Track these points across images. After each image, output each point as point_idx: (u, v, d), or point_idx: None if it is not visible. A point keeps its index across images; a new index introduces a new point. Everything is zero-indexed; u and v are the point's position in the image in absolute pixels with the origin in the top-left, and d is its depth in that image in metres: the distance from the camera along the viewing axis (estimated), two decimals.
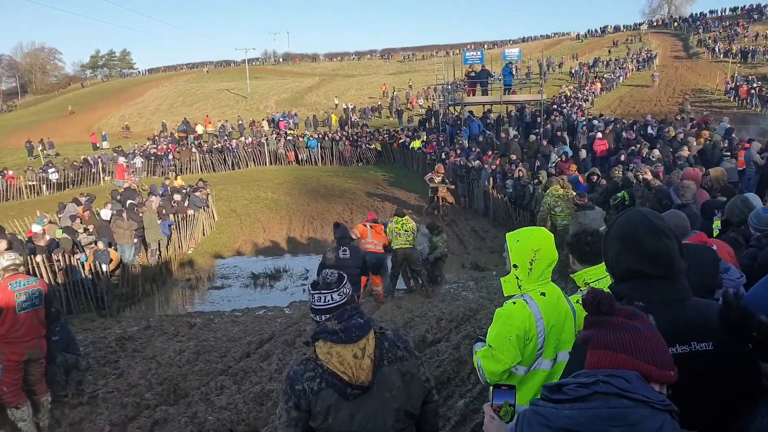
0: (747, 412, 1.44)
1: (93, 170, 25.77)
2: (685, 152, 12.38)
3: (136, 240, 13.05)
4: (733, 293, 1.56)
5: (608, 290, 1.64)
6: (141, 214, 13.46)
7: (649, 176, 8.69)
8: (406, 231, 10.07)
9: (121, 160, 25.59)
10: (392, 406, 2.20)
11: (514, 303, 2.45)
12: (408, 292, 10.62)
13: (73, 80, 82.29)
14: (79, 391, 6.34)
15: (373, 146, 27.52)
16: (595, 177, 12.25)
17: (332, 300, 2.22)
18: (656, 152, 13.06)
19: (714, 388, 1.39)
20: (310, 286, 2.30)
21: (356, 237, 9.78)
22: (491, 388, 1.72)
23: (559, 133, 19.28)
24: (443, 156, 20.73)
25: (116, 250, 12.19)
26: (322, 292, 2.23)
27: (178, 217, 15.20)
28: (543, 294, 2.44)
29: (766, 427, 1.32)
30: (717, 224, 4.77)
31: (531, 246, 2.47)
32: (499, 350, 2.38)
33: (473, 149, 20.00)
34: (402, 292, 10.69)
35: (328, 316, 2.21)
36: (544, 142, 18.49)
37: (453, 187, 17.54)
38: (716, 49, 41.72)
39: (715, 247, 3.08)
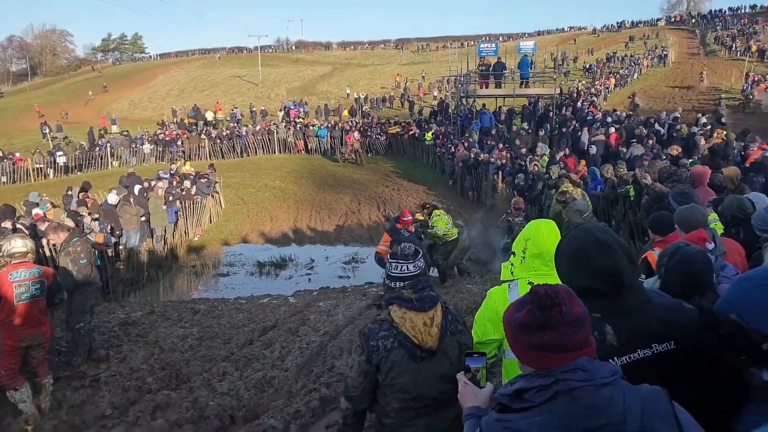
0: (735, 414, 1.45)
1: (100, 154, 25.83)
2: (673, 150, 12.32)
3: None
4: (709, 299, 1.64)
5: None
6: (147, 199, 13.46)
7: (648, 181, 8.67)
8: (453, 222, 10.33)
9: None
10: (451, 372, 2.33)
11: (500, 286, 2.58)
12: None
13: (83, 63, 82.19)
14: (81, 374, 6.35)
15: (383, 137, 27.32)
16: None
17: (408, 270, 2.47)
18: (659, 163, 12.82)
19: (678, 389, 1.40)
20: (389, 255, 2.60)
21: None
22: (464, 356, 1.84)
23: (564, 129, 19.10)
24: (452, 149, 20.58)
25: (121, 235, 12.24)
26: (400, 261, 2.50)
27: (185, 203, 15.19)
28: (531, 284, 2.40)
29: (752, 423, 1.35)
30: (713, 216, 4.68)
31: (524, 235, 2.56)
32: (476, 324, 2.58)
33: (486, 142, 19.85)
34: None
35: (402, 283, 2.46)
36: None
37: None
38: (734, 46, 41.14)
39: (712, 246, 3.04)
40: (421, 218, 10.52)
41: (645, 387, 1.34)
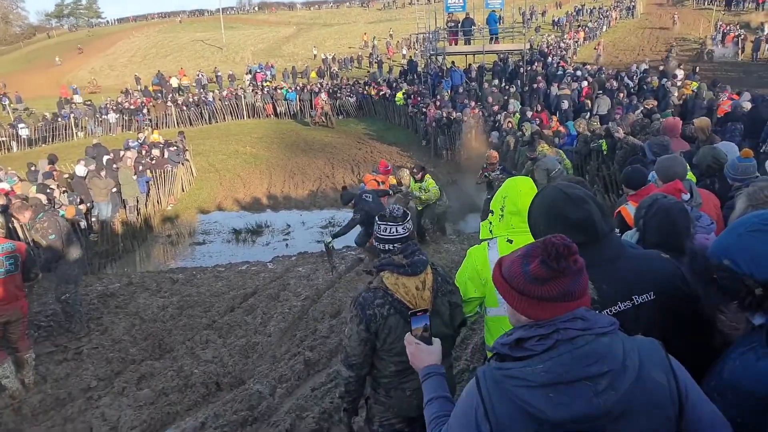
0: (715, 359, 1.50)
1: (64, 125, 25.06)
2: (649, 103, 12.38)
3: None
4: (699, 244, 1.64)
5: None
6: (116, 170, 13.16)
7: (621, 135, 8.75)
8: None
9: None
10: (442, 331, 2.43)
11: (479, 245, 2.60)
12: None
13: (38, 30, 78.74)
14: (63, 348, 6.31)
15: (354, 98, 26.98)
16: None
17: (397, 232, 2.48)
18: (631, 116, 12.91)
19: (661, 338, 1.41)
20: (377, 217, 2.55)
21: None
22: (409, 317, 1.91)
23: (535, 86, 19.09)
24: (424, 109, 20.44)
25: (92, 207, 12.01)
26: (389, 223, 2.49)
27: (156, 172, 14.91)
28: (510, 241, 2.47)
29: (734, 369, 1.40)
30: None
31: (501, 193, 2.57)
32: (457, 284, 2.62)
33: (459, 101, 19.74)
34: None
35: (391, 246, 2.48)
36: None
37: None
38: None
39: (688, 197, 3.09)
40: (394, 181, 10.49)
41: (641, 338, 1.36)
